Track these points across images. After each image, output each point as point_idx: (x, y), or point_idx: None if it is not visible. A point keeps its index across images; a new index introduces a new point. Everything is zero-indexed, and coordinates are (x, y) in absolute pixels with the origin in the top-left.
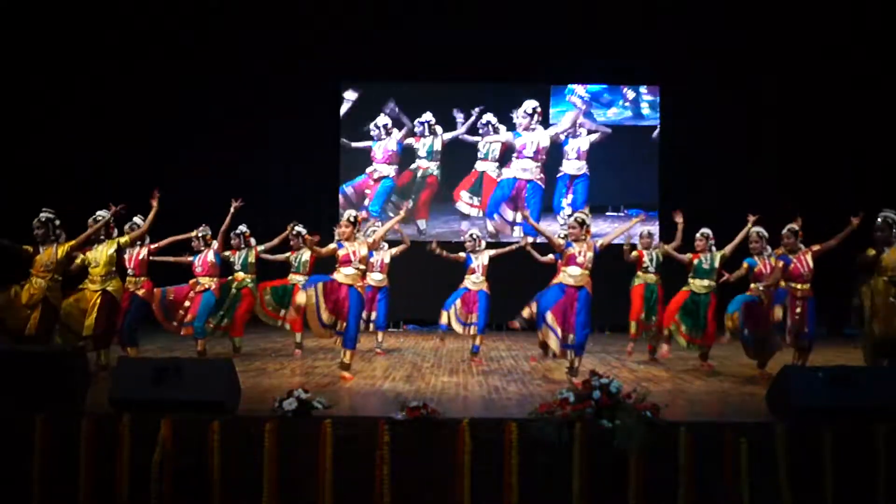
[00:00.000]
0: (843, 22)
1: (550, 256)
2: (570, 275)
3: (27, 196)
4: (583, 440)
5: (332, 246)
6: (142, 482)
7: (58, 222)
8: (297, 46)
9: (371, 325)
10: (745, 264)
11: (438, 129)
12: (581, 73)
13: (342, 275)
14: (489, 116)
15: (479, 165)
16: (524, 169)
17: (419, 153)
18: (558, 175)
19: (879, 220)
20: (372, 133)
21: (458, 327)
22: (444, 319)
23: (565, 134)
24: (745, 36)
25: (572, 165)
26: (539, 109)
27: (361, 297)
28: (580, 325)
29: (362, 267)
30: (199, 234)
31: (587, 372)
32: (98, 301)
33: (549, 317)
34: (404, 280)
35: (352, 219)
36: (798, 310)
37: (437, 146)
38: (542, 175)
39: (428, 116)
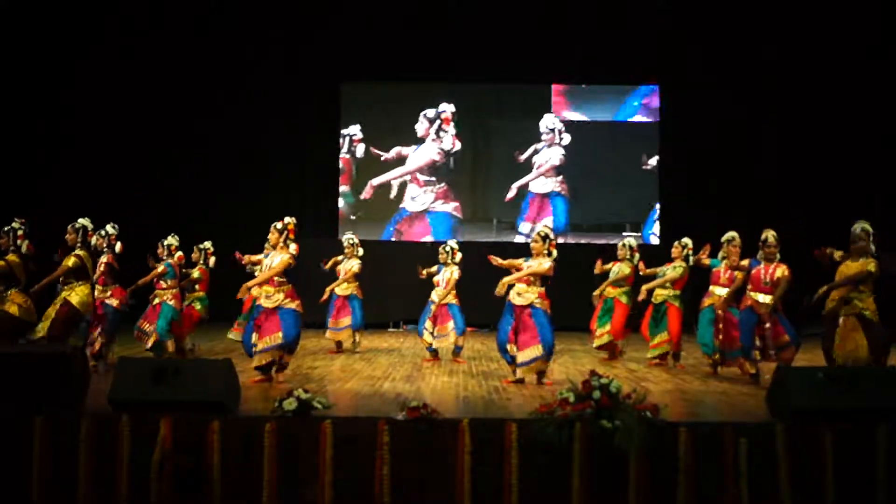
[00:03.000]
0: (843, 20)
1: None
2: (515, 291)
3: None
4: (583, 440)
5: (260, 256)
6: (142, 482)
7: (20, 232)
8: (297, 46)
9: (347, 331)
10: (706, 260)
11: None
12: (581, 73)
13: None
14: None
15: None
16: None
17: None
18: (528, 191)
19: (860, 229)
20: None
21: (435, 342)
22: (426, 341)
23: (542, 143)
24: (746, 36)
25: (538, 183)
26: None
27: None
28: (543, 337)
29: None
30: (166, 243)
31: (587, 372)
32: (57, 309)
33: (511, 347)
34: (403, 280)
35: (279, 226)
36: (767, 325)
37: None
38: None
39: (353, 129)
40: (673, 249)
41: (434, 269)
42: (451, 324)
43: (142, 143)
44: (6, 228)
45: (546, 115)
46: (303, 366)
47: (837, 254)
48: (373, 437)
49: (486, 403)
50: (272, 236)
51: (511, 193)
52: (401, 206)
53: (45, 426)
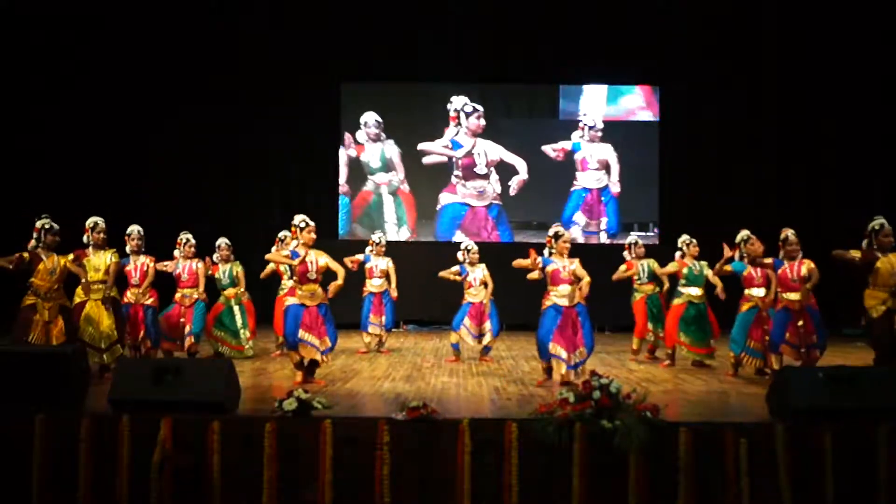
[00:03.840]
0: (843, 21)
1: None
2: (562, 294)
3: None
4: (583, 440)
5: (287, 253)
6: (142, 482)
7: (56, 227)
8: (297, 46)
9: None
10: (728, 268)
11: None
12: (581, 72)
13: (305, 296)
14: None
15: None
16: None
17: (370, 165)
18: (572, 189)
19: (886, 225)
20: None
21: (472, 342)
22: (454, 339)
23: (579, 137)
24: (746, 35)
25: (590, 177)
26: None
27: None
28: (588, 338)
29: (317, 286)
30: (184, 242)
31: (587, 372)
32: (110, 308)
33: (553, 346)
34: (403, 280)
35: (303, 224)
36: (801, 323)
37: (390, 153)
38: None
39: (373, 117)
40: (692, 248)
41: (456, 269)
42: (488, 324)
43: (141, 143)
44: (40, 226)
45: (590, 111)
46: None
47: (855, 253)
48: (373, 437)
49: (487, 403)
50: (311, 235)
51: (552, 153)
52: (442, 205)
53: (45, 426)
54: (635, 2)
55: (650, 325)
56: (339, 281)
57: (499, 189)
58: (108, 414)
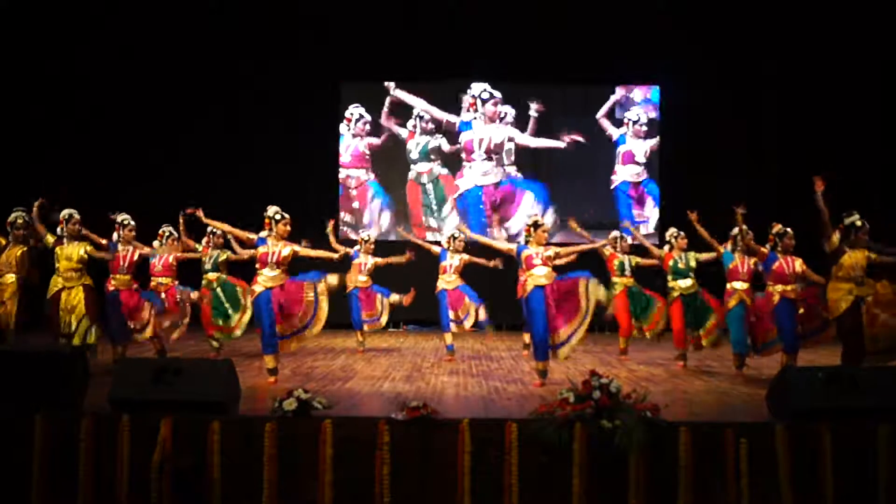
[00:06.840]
0: (843, 22)
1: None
2: (540, 275)
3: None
4: (583, 440)
5: (252, 236)
6: (142, 482)
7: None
8: (296, 46)
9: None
10: (719, 249)
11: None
12: (581, 72)
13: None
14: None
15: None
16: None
17: (411, 155)
18: (612, 185)
19: (863, 223)
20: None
21: (466, 325)
22: (448, 339)
23: (623, 132)
24: (747, 35)
25: (630, 171)
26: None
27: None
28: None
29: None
30: (166, 235)
31: (587, 372)
32: (82, 296)
33: (552, 336)
34: (404, 280)
35: (278, 216)
36: (801, 311)
37: (434, 144)
38: None
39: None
40: (680, 240)
41: (436, 249)
42: (467, 299)
43: (140, 141)
44: (21, 221)
45: (633, 108)
46: (303, 366)
47: (834, 240)
48: (373, 437)
49: (486, 403)
50: (287, 227)
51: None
52: (462, 191)
53: (45, 426)
54: (635, 1)
55: (634, 322)
56: (332, 281)
57: (513, 170)
58: (108, 414)
